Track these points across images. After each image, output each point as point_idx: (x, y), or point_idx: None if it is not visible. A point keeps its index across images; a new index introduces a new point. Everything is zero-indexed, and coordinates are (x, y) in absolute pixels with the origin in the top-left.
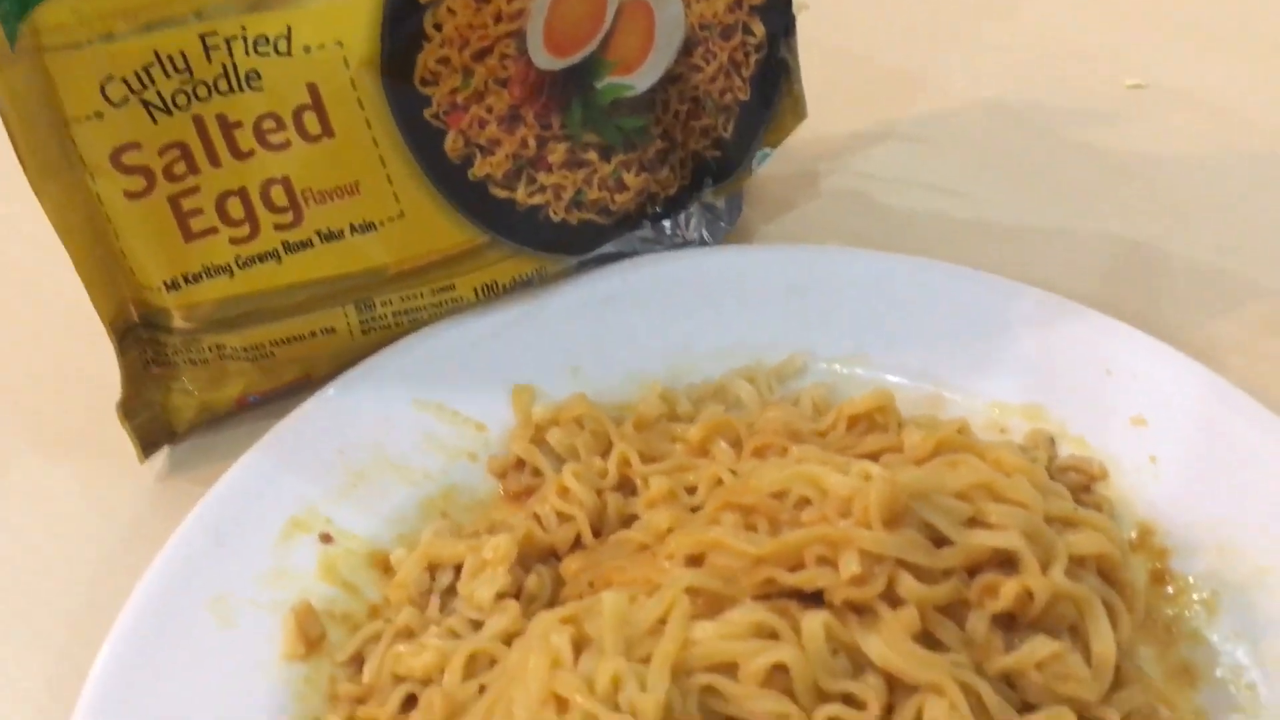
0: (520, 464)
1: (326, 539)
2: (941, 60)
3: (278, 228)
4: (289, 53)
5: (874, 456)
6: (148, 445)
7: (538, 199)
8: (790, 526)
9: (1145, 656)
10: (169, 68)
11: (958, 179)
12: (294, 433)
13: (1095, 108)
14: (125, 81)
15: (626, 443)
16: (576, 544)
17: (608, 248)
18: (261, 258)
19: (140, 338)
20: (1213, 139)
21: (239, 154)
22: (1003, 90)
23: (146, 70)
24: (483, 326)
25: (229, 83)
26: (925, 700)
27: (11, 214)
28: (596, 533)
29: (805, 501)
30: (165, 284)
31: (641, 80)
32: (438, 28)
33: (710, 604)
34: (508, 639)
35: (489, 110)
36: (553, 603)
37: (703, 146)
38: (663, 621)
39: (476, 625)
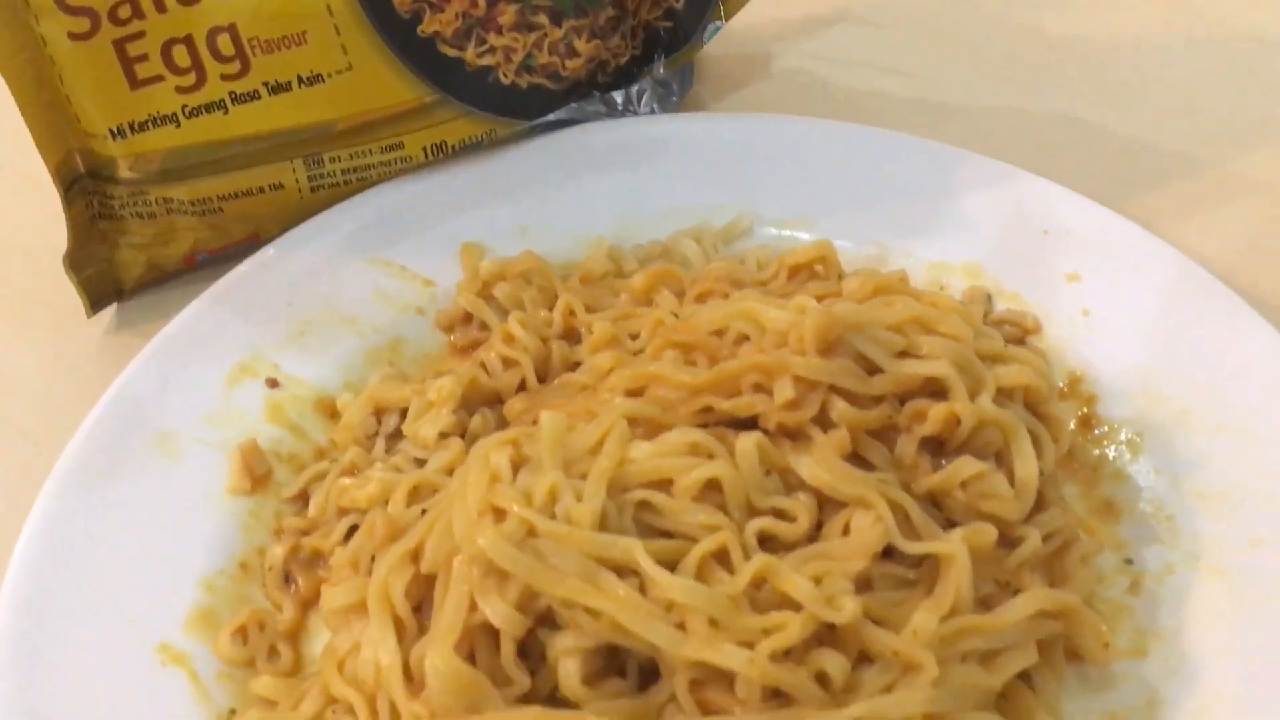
0: (467, 318)
1: (273, 384)
2: None
3: (225, 78)
4: None
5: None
6: (96, 300)
7: (487, 60)
8: (729, 361)
9: (1071, 494)
10: None
11: (907, 60)
12: (243, 282)
13: None
14: None
15: (572, 294)
16: (521, 389)
17: (558, 115)
18: (208, 108)
19: (87, 189)
20: (1159, 23)
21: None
22: None
23: None
24: (432, 186)
25: None
26: (853, 514)
27: None
28: (541, 379)
29: (744, 338)
30: (111, 131)
31: None
32: None
33: (649, 431)
34: (450, 472)
35: None
36: None
37: (655, 16)
38: (601, 444)
39: (420, 463)
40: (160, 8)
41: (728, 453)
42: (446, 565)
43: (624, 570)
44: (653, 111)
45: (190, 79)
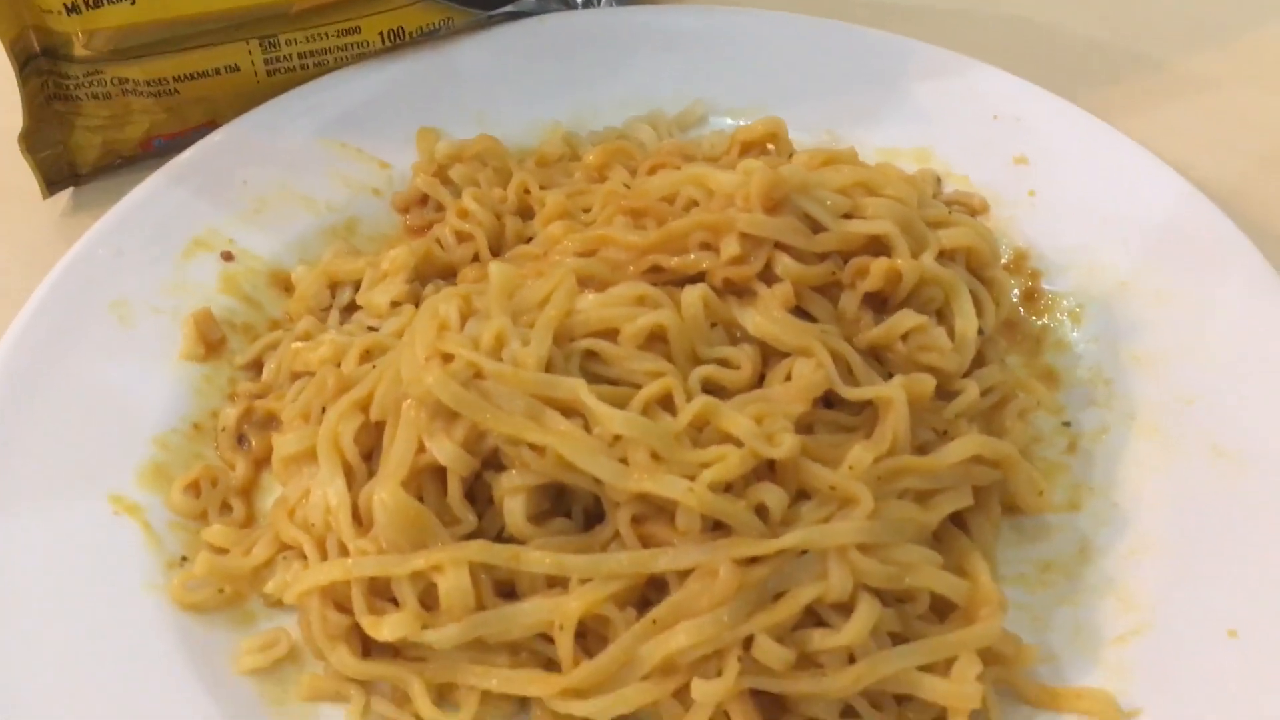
0: (423, 200)
1: (228, 257)
2: None
3: None
4: None
5: None
6: (52, 183)
7: None
8: (676, 220)
9: (1014, 364)
10: None
11: None
12: (199, 159)
13: None
14: None
15: (527, 174)
16: (475, 262)
17: (516, 7)
18: None
19: (42, 69)
20: None
21: None
22: None
23: None
24: (389, 71)
25: None
26: (795, 362)
27: None
28: (495, 252)
29: (693, 203)
30: (66, 7)
31: None
32: None
33: (598, 289)
34: (402, 336)
35: None
36: None
37: None
38: (549, 297)
39: (373, 331)
40: None
41: (673, 305)
42: (395, 410)
43: (569, 411)
44: (611, 5)
45: None
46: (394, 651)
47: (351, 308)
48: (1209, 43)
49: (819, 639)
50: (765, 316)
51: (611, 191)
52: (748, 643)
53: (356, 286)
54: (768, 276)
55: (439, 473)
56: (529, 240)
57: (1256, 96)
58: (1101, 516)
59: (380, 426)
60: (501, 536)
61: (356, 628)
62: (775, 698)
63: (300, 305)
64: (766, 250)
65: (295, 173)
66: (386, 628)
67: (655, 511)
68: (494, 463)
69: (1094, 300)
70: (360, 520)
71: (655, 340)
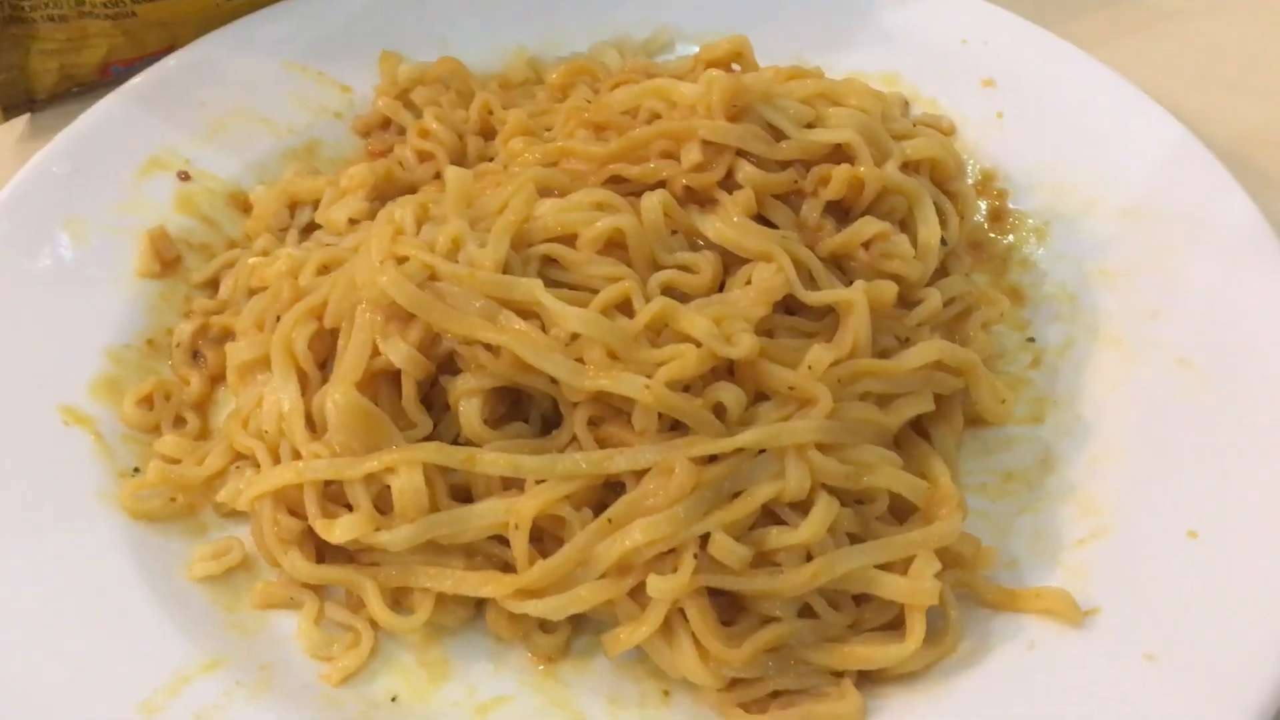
0: (385, 124)
1: (185, 177)
2: None
3: None
4: None
5: None
6: (8, 108)
7: None
8: (637, 129)
9: (980, 283)
10: None
11: None
12: (157, 80)
13: None
14: None
15: (490, 94)
16: (436, 180)
17: None
18: None
19: None
20: None
21: None
22: None
23: None
24: None
25: None
26: (755, 267)
27: None
28: None
29: (656, 116)
30: None
31: None
32: None
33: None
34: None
35: None
36: None
37: None
38: (507, 204)
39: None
40: None
41: (634, 211)
42: (350, 316)
43: (526, 313)
44: None
45: None
46: (348, 557)
47: (311, 228)
48: None
49: (776, 537)
50: (726, 222)
51: (574, 107)
52: (704, 541)
53: (316, 207)
54: (729, 185)
55: (394, 377)
56: (491, 160)
57: (1221, 27)
58: (1065, 428)
59: (335, 334)
60: (458, 441)
61: (309, 533)
62: (732, 598)
63: (258, 224)
64: (728, 158)
65: (255, 95)
66: (339, 529)
67: (612, 413)
68: (450, 367)
69: (1060, 218)
70: (314, 426)
71: (614, 246)
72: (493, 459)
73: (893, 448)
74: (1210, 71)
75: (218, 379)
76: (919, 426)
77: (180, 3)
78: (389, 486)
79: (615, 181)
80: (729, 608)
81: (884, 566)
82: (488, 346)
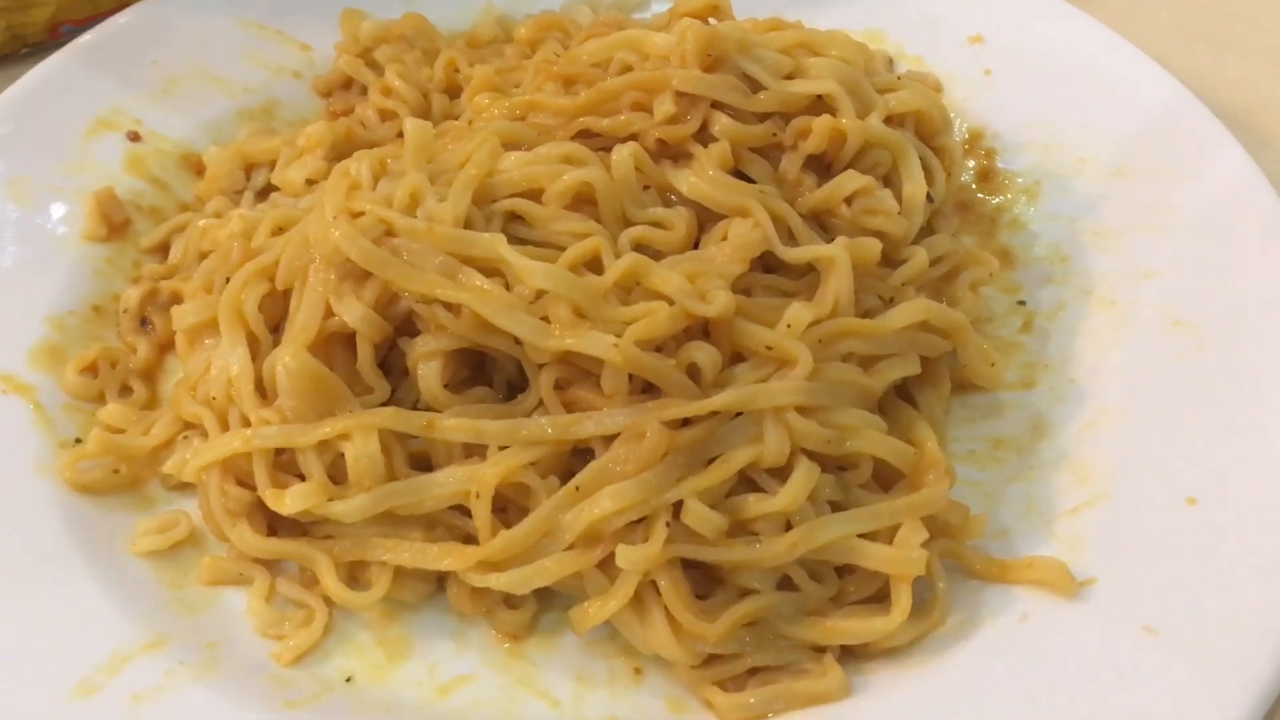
0: (347, 83)
1: (134, 137)
2: None
3: None
4: None
5: None
6: None
7: None
8: (608, 81)
9: (969, 243)
10: None
11: None
12: (106, 38)
13: None
14: None
15: (456, 51)
16: (399, 139)
17: None
18: None
19: None
20: None
21: None
22: None
23: None
24: None
25: None
26: (731, 223)
27: None
28: None
29: (628, 68)
30: None
31: None
32: None
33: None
34: None
35: None
36: None
37: None
38: (469, 159)
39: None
40: None
41: (603, 165)
42: (302, 276)
43: (489, 271)
44: None
45: None
46: (301, 530)
47: (267, 191)
48: None
49: (754, 504)
50: (700, 176)
51: (543, 60)
52: (677, 510)
53: (273, 168)
54: (704, 138)
55: (348, 339)
56: (457, 120)
57: None
58: (1057, 393)
59: (288, 296)
60: (417, 407)
61: (260, 505)
62: (707, 570)
63: (212, 186)
64: (703, 110)
65: (209, 54)
66: (290, 500)
67: (580, 376)
68: (408, 329)
69: (1051, 177)
70: (264, 392)
71: (583, 202)
72: (453, 424)
73: (877, 413)
74: (1205, 30)
75: (166, 347)
76: (904, 392)
77: None
78: (343, 455)
79: (584, 136)
80: (704, 580)
81: (868, 536)
82: (447, 305)
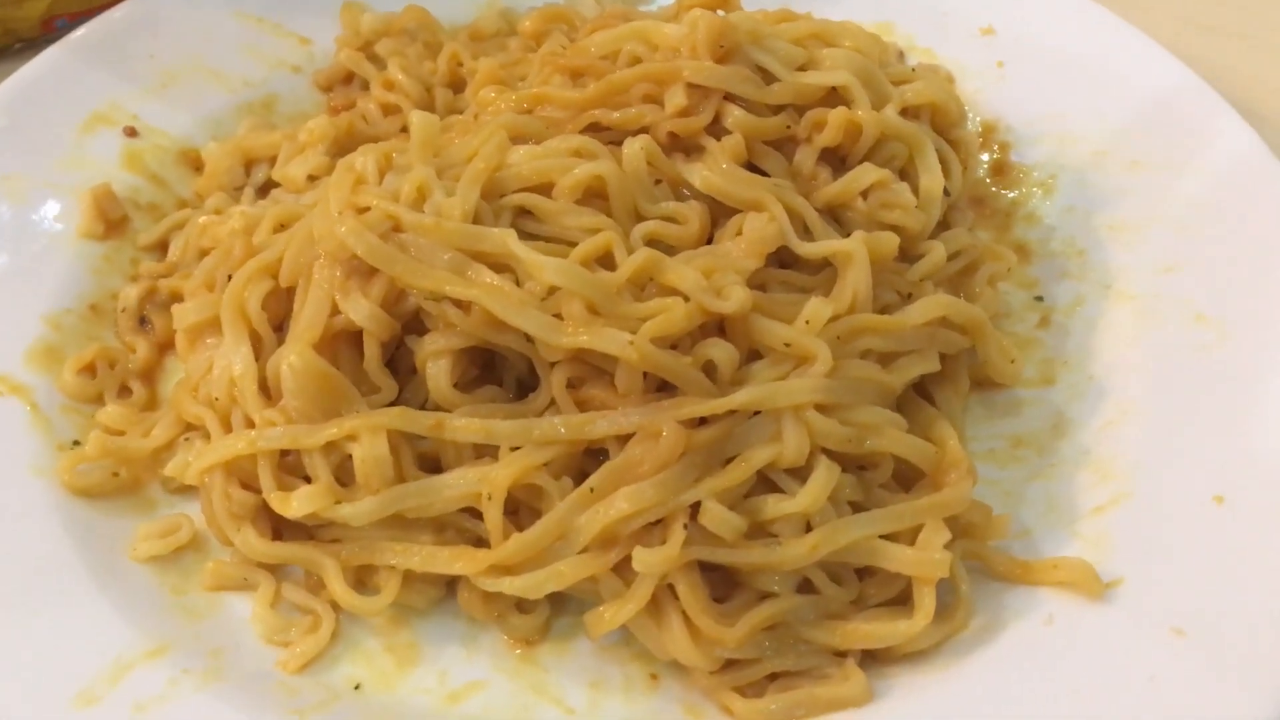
0: (348, 78)
1: (131, 133)
2: None
3: None
4: None
5: None
6: None
7: None
8: (618, 72)
9: (984, 240)
10: None
11: None
12: (102, 31)
13: None
14: None
15: (460, 45)
16: (402, 134)
17: None
18: None
19: None
20: None
21: None
22: None
23: None
24: None
25: None
26: (746, 217)
27: None
28: None
29: (637, 60)
30: None
31: None
32: None
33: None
34: None
35: None
36: None
37: None
38: (478, 151)
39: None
40: None
41: (614, 158)
42: (307, 273)
43: (499, 266)
44: None
45: None
46: (307, 534)
47: (268, 187)
48: None
49: (773, 505)
50: (713, 170)
51: (549, 53)
52: (695, 511)
53: (273, 164)
54: (716, 131)
55: (355, 337)
56: (461, 114)
57: None
58: (1077, 389)
59: (292, 294)
60: (426, 407)
61: (265, 508)
62: (726, 573)
63: (211, 182)
64: (715, 102)
65: (207, 47)
66: (296, 502)
67: (594, 374)
68: (416, 327)
69: (1066, 170)
70: (269, 392)
71: (594, 196)
72: (463, 424)
73: (895, 408)
74: (1216, 20)
75: (166, 346)
76: (922, 389)
77: None
78: (350, 456)
79: (594, 129)
80: (722, 583)
81: (889, 537)
82: (456, 302)
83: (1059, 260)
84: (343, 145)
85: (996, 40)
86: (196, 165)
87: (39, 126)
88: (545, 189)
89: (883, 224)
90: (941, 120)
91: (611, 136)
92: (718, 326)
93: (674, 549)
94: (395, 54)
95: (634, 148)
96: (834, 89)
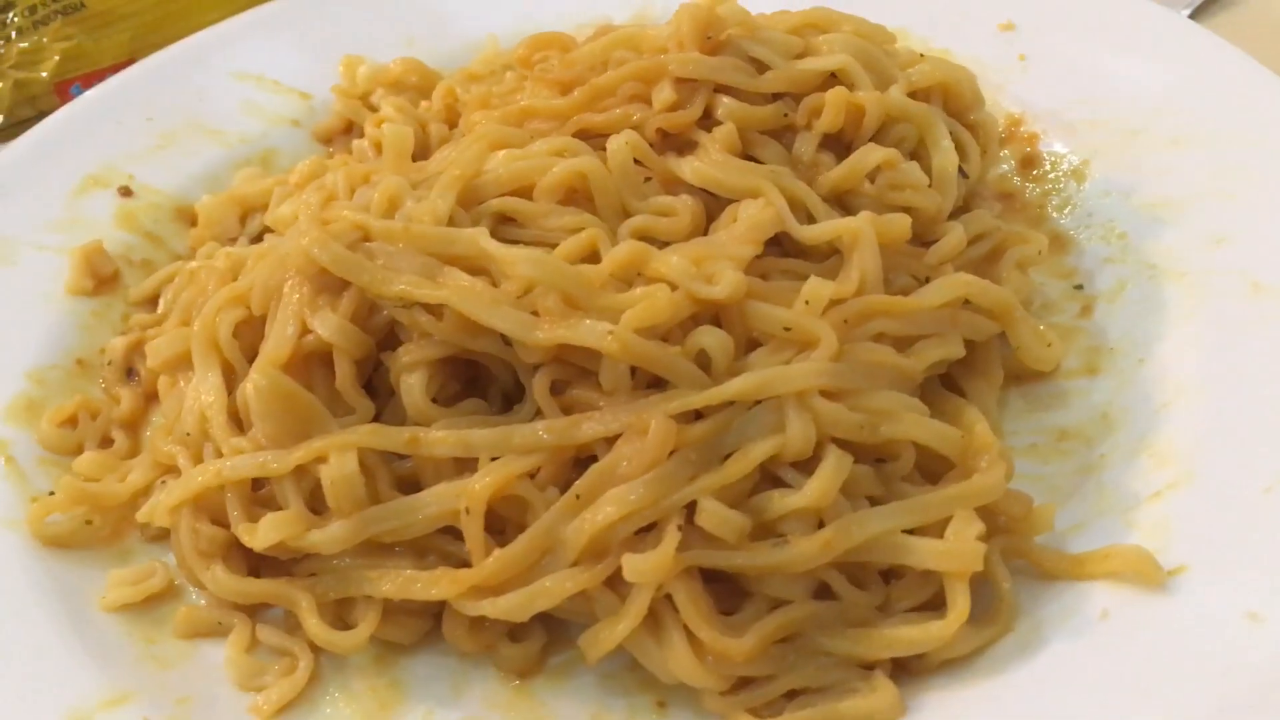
0: (347, 128)
1: (126, 192)
2: None
3: None
4: None
5: None
6: None
7: None
8: (603, 75)
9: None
10: None
11: None
12: (99, 101)
13: None
14: None
15: (454, 80)
16: None
17: None
18: None
19: None
20: None
21: None
22: None
23: None
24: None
25: None
26: (742, 204)
27: None
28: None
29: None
30: None
31: None
32: None
33: None
34: None
35: None
36: None
37: None
38: (454, 159)
39: None
40: None
41: (599, 157)
42: (278, 295)
43: (474, 269)
44: None
45: None
46: (286, 571)
47: (262, 236)
48: None
49: (778, 501)
50: (706, 163)
51: (540, 69)
52: (691, 513)
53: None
54: (708, 126)
55: (328, 359)
56: None
57: None
58: (1126, 376)
59: (263, 322)
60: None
61: (237, 545)
62: (732, 582)
63: (205, 233)
64: (705, 94)
65: (206, 107)
66: (263, 531)
67: (579, 376)
68: (392, 344)
69: (1100, 155)
70: (240, 423)
71: (577, 196)
72: (439, 436)
73: (917, 395)
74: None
75: (152, 397)
76: (951, 383)
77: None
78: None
79: (583, 136)
80: (729, 594)
81: (915, 531)
82: (429, 309)
83: (1098, 246)
84: None
85: (1016, 34)
86: (192, 221)
87: (31, 191)
88: (525, 192)
89: (893, 206)
90: (955, 104)
91: (601, 141)
92: (712, 318)
93: (667, 553)
94: (389, 99)
95: (619, 143)
96: (833, 74)
